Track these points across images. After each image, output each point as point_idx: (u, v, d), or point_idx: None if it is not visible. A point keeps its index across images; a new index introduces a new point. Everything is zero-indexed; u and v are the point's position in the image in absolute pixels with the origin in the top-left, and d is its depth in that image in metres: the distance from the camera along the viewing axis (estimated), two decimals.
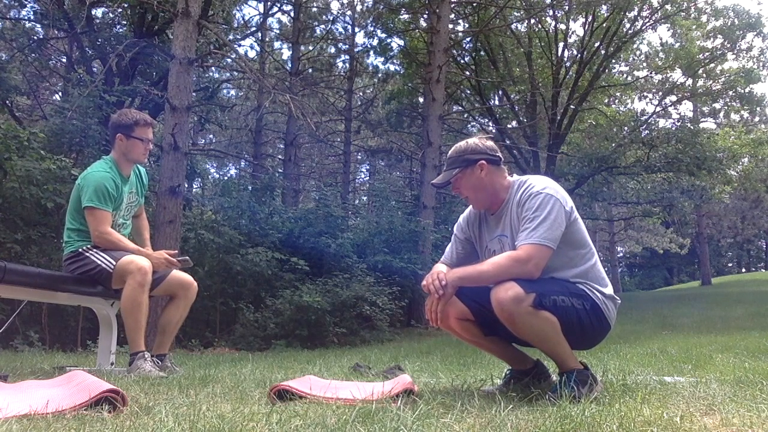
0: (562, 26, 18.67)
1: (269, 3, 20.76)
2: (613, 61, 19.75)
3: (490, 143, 2.37)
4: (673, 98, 21.79)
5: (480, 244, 2.44)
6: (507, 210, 2.28)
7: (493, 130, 19.14)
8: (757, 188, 25.19)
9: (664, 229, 33.07)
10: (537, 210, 2.12)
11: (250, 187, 16.12)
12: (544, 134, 19.43)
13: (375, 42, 20.04)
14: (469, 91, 20.37)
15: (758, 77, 20.52)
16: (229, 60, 16.31)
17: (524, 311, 1.98)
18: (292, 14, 20.36)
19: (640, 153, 18.61)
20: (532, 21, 18.51)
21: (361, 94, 25.73)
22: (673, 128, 20.31)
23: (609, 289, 2.24)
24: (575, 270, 2.20)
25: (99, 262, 3.30)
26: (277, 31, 23.37)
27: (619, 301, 2.28)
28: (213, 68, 17.99)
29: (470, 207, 2.49)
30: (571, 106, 18.22)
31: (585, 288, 2.16)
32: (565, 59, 19.03)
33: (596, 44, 18.18)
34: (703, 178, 18.71)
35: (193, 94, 11.42)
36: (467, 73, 19.12)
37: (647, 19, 18.61)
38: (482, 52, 18.78)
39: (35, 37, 15.22)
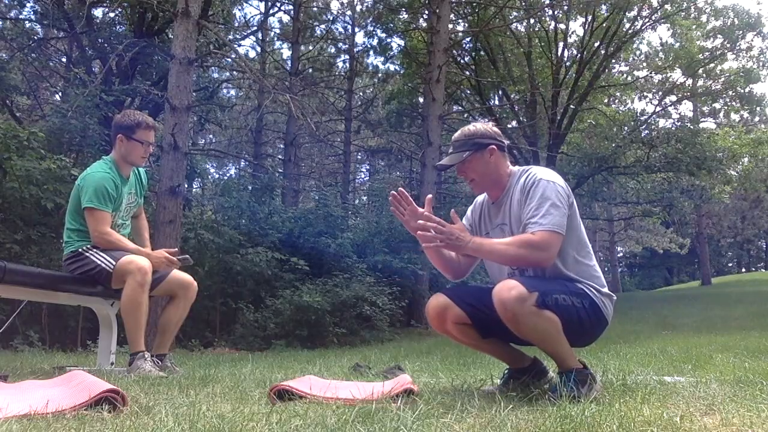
0: (562, 26, 18.67)
1: (269, 3, 20.77)
2: (613, 61, 19.75)
3: (497, 129, 2.40)
4: (673, 98, 21.79)
5: (479, 232, 2.44)
6: (507, 199, 2.29)
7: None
8: (757, 188, 25.16)
9: (664, 229, 33.04)
10: (544, 195, 2.13)
11: (250, 187, 16.11)
12: (544, 134, 19.43)
13: (375, 42, 20.09)
14: (469, 91, 20.38)
15: (758, 77, 20.52)
16: (229, 60, 16.30)
17: (527, 311, 1.98)
18: (292, 14, 20.36)
19: (640, 153, 18.60)
20: (532, 21, 18.52)
21: (361, 94, 25.75)
22: (673, 128, 20.29)
23: (605, 288, 2.25)
24: (574, 268, 2.20)
25: (99, 262, 3.30)
26: (277, 31, 23.38)
27: (615, 298, 2.29)
28: (213, 68, 18.01)
29: (479, 197, 2.50)
30: (571, 106, 18.21)
31: (583, 287, 2.17)
32: (565, 59, 19.03)
33: (596, 44, 18.18)
34: (703, 178, 18.72)
35: (193, 94, 11.42)
36: (467, 73, 19.12)
37: (647, 19, 18.62)
38: (482, 52, 18.78)
39: (35, 37, 15.22)
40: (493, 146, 2.30)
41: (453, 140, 2.36)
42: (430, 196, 2.33)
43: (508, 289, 1.99)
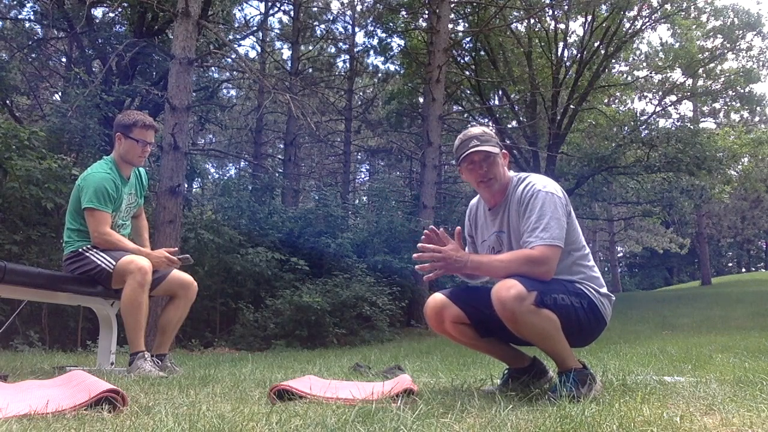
0: (562, 26, 18.67)
1: (269, 3, 20.77)
2: (613, 61, 19.75)
3: None
4: (673, 98, 21.82)
5: (477, 242, 2.45)
6: (505, 207, 2.29)
7: (493, 130, 19.11)
8: (757, 188, 25.18)
9: (664, 229, 33.03)
10: (543, 208, 2.13)
11: (250, 187, 16.12)
12: (544, 134, 19.43)
13: (375, 42, 20.09)
14: (469, 91, 20.38)
15: (758, 77, 20.54)
16: (229, 60, 16.31)
17: (526, 309, 1.98)
18: (292, 14, 20.37)
19: (640, 153, 18.60)
20: (532, 21, 18.51)
21: (361, 93, 25.75)
22: (673, 128, 20.30)
23: (604, 288, 2.25)
24: (573, 270, 2.21)
25: (99, 262, 3.30)
26: (277, 31, 23.38)
27: (614, 299, 2.30)
28: (213, 68, 18.00)
29: (472, 203, 2.50)
30: (571, 106, 18.21)
31: (582, 287, 2.18)
32: (565, 59, 19.03)
33: (596, 44, 18.18)
34: (703, 178, 18.72)
35: (193, 94, 11.41)
36: (467, 73, 19.12)
37: (647, 19, 18.62)
38: (482, 52, 18.78)
39: (35, 37, 15.22)
40: (505, 152, 2.33)
41: (476, 135, 2.29)
42: (459, 228, 2.29)
43: (506, 288, 1.99)
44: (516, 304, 1.97)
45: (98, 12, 14.50)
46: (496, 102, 20.65)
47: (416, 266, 2.18)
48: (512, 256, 2.14)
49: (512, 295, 1.97)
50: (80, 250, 3.37)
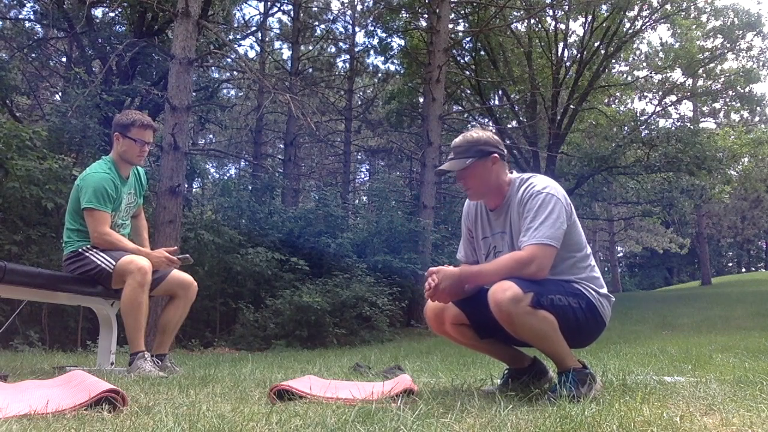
0: (562, 26, 18.68)
1: (269, 3, 20.77)
2: (613, 61, 19.76)
3: (497, 138, 2.37)
4: (673, 98, 21.82)
5: (476, 238, 2.43)
6: (506, 208, 2.28)
7: (493, 130, 19.12)
8: (757, 188, 25.20)
9: (664, 229, 33.03)
10: (539, 209, 2.12)
11: (250, 187, 16.12)
12: (544, 134, 19.44)
13: (375, 41, 20.10)
14: (469, 91, 20.38)
15: (758, 77, 20.54)
16: (229, 60, 16.31)
17: (522, 311, 1.97)
18: (292, 14, 20.37)
19: (640, 153, 18.60)
20: (532, 21, 18.52)
21: (361, 93, 25.76)
22: (673, 128, 20.30)
23: (604, 289, 2.24)
24: (572, 271, 2.20)
25: (99, 262, 3.30)
26: (277, 31, 23.39)
27: (614, 299, 2.29)
28: (213, 68, 18.00)
29: (468, 201, 2.49)
30: (571, 106, 18.22)
31: (581, 287, 2.17)
32: (565, 59, 19.04)
33: (596, 44, 18.19)
34: (703, 178, 18.72)
35: (193, 94, 11.41)
36: (467, 73, 19.12)
37: (647, 19, 18.63)
38: (482, 52, 18.79)
39: (35, 37, 15.22)
40: (496, 155, 2.27)
41: (455, 145, 2.31)
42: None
43: (502, 290, 1.98)
44: (512, 306, 1.96)
45: (98, 12, 14.51)
46: (496, 102, 20.65)
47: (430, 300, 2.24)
48: (502, 260, 2.14)
49: (508, 297, 1.96)
50: (80, 250, 3.37)
